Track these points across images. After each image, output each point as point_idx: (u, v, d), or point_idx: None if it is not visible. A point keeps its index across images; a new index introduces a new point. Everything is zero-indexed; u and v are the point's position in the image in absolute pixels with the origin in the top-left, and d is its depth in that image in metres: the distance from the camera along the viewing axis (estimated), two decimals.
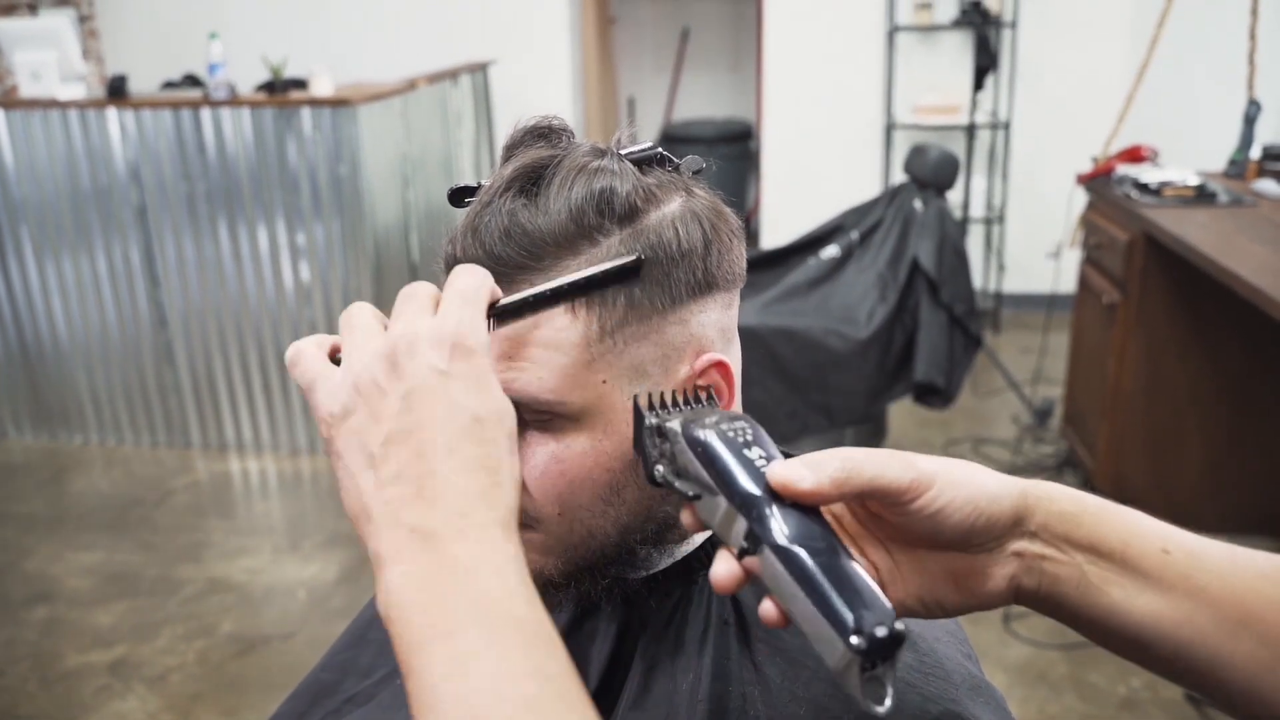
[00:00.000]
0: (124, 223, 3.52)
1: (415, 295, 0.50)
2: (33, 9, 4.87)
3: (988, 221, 4.74)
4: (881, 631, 0.44)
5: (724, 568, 0.48)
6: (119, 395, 3.74)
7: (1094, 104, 4.49)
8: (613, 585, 0.68)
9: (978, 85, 4.60)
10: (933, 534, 0.50)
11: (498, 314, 0.56)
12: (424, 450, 0.46)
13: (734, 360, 0.65)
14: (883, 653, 0.44)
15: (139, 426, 3.77)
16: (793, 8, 4.66)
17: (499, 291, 0.53)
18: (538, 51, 4.89)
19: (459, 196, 0.63)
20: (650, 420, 0.54)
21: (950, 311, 2.85)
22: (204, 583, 2.86)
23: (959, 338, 2.89)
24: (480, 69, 4.52)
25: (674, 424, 0.53)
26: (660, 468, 0.53)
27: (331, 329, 3.44)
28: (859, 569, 0.46)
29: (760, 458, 0.50)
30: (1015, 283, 4.80)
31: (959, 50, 4.58)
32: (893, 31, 4.55)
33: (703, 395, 0.57)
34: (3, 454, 3.77)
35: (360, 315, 0.50)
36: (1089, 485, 2.93)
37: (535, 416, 0.61)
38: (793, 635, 0.65)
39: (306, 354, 0.51)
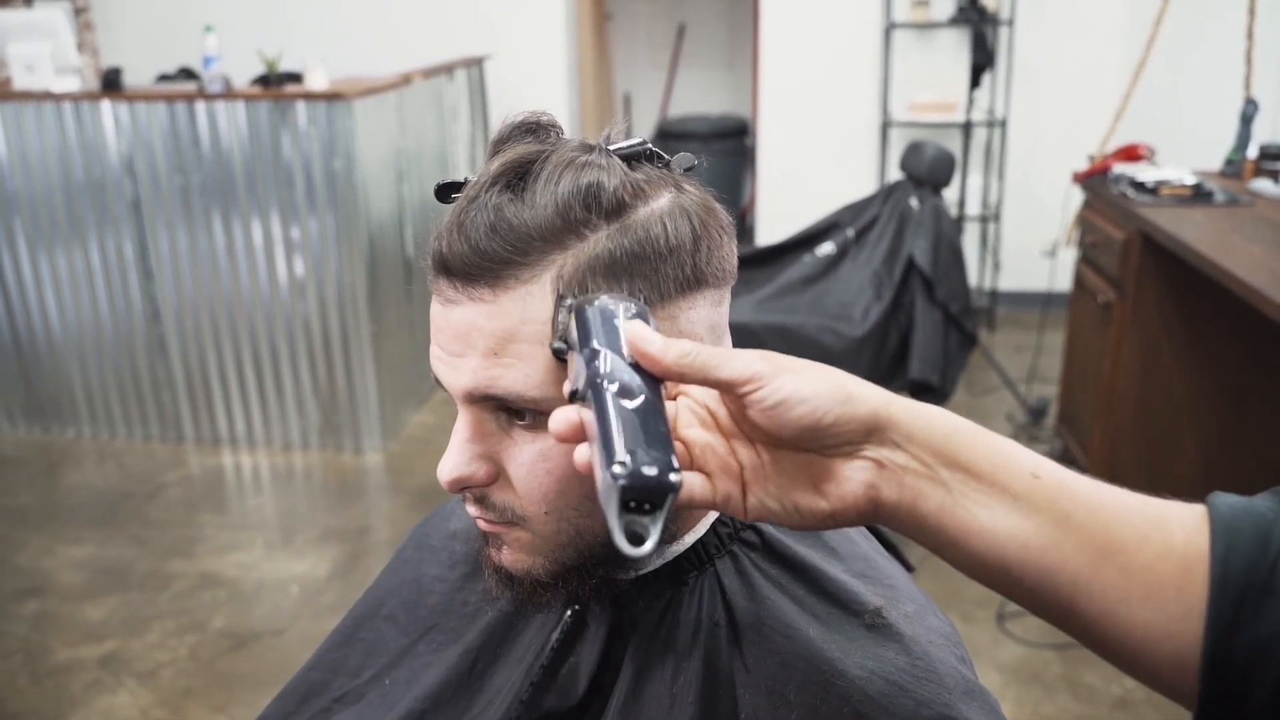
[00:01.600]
0: (118, 216, 3.50)
1: None
2: (28, 1, 4.85)
3: (983, 219, 4.73)
4: (650, 470, 0.45)
5: (561, 412, 0.50)
6: (111, 388, 3.73)
7: (1091, 102, 4.49)
8: (601, 586, 0.67)
9: (974, 83, 4.59)
10: (779, 428, 0.50)
11: None
12: None
13: None
14: (647, 495, 0.45)
15: (131, 420, 3.75)
16: (789, 4, 4.65)
17: None
18: (533, 47, 4.88)
19: (446, 192, 0.62)
20: (567, 300, 0.56)
21: (945, 309, 2.84)
22: (196, 578, 2.85)
23: (954, 336, 2.88)
24: (476, 64, 4.51)
25: (570, 301, 0.56)
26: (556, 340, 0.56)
27: (325, 323, 3.46)
28: (663, 430, 0.47)
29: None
30: (1011, 281, 4.80)
31: (956, 47, 4.57)
32: (889, 28, 4.54)
33: (640, 296, 0.58)
34: None
35: None
36: None
37: (521, 414, 0.60)
38: (785, 638, 0.65)
39: None
